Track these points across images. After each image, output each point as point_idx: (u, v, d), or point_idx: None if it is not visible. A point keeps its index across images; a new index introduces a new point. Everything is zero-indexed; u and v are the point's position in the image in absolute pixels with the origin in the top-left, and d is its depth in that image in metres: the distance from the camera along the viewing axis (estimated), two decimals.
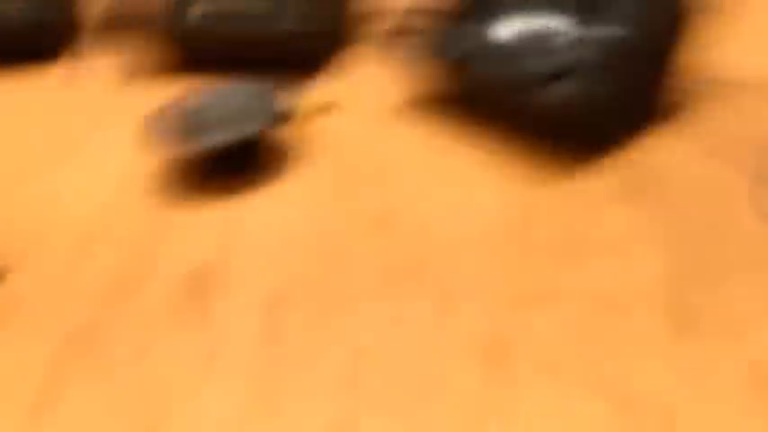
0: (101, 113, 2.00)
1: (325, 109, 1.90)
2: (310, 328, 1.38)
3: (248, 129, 1.74)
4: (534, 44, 1.64)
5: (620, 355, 1.26)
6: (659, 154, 1.62)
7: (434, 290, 1.42)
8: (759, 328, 1.26)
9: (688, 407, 1.17)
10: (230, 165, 1.76)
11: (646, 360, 1.25)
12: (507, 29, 1.68)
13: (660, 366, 1.23)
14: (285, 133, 1.85)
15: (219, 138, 1.76)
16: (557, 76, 1.58)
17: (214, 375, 1.33)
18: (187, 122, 1.77)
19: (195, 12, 1.98)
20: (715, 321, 1.28)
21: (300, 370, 1.32)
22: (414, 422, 1.22)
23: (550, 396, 1.22)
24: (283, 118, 1.85)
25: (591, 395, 1.21)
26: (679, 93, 1.76)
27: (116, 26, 2.10)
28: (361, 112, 1.88)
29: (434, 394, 1.25)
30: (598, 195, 1.54)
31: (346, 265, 1.49)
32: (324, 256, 1.52)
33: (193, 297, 1.47)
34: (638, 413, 1.18)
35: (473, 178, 1.64)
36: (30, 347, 1.40)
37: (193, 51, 2.02)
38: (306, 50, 2.00)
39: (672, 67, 1.66)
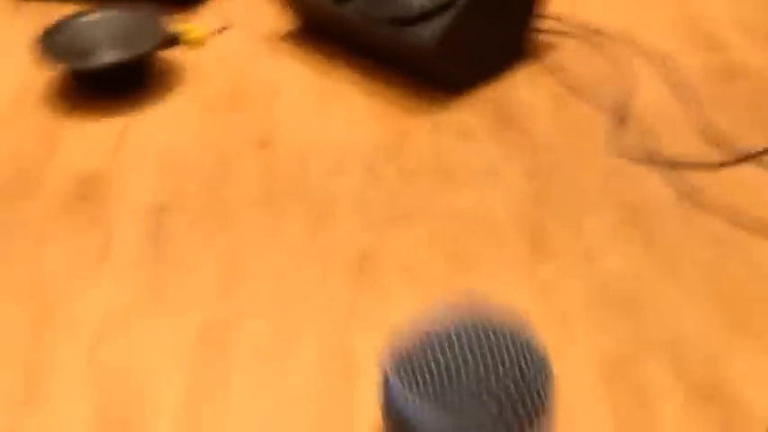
0: None
1: (213, 32, 1.94)
2: (192, 235, 1.45)
3: (137, 49, 1.78)
4: None
5: (480, 270, 1.37)
6: (527, 91, 1.73)
7: (311, 206, 1.50)
8: (606, 254, 1.38)
9: (540, 322, 1.29)
10: (120, 84, 1.80)
11: (503, 276, 1.36)
12: None
13: (516, 283, 1.35)
14: (174, 56, 1.89)
15: (109, 56, 1.80)
16: (432, 11, 1.66)
17: (102, 274, 1.39)
18: (76, 42, 1.81)
19: None
20: (569, 246, 1.40)
21: (182, 272, 1.39)
22: (286, 323, 1.31)
23: (412, 305, 1.32)
24: (172, 41, 1.89)
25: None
26: (546, 34, 1.87)
27: None
28: (247, 36, 1.93)
29: (306, 299, 1.34)
30: (470, 126, 1.65)
31: (228, 180, 1.56)
32: (207, 171, 1.58)
33: (85, 201, 1.52)
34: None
35: (353, 105, 1.72)
36: None
37: None
38: None
39: (540, 8, 1.77)
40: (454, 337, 0.69)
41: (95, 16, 1.85)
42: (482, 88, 1.74)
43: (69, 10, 2.03)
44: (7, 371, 1.26)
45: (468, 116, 1.67)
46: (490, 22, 1.71)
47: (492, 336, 0.70)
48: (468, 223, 1.45)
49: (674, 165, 1.54)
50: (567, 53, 1.82)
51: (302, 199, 1.51)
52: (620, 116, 1.65)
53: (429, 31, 1.65)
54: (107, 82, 1.79)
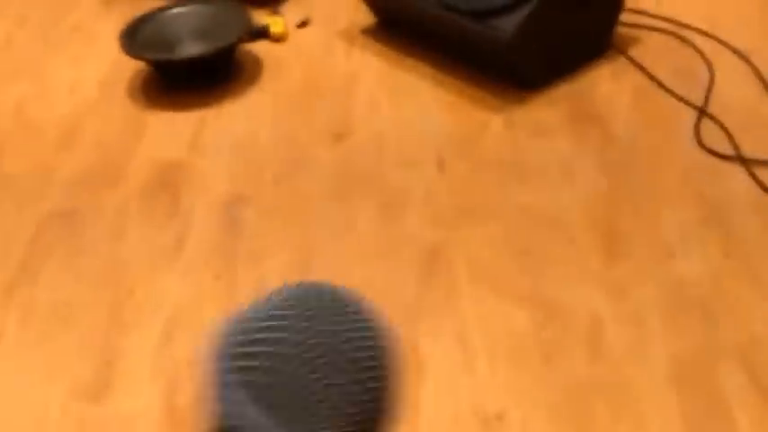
0: (86, 18, 2.06)
1: (295, 27, 1.96)
2: (266, 226, 1.47)
3: (220, 42, 1.81)
4: None
5: (552, 269, 1.35)
6: (607, 85, 1.70)
7: (383, 198, 1.50)
8: (683, 255, 1.35)
9: (612, 322, 1.27)
10: (204, 76, 1.83)
11: (575, 276, 1.34)
12: None
13: (589, 283, 1.33)
14: (256, 49, 1.91)
15: (192, 49, 1.83)
16: (514, 4, 1.64)
17: (178, 261, 1.43)
18: (161, 34, 1.84)
19: None
20: (645, 244, 1.37)
21: (255, 264, 1.41)
22: None
23: (481, 303, 1.31)
24: (256, 35, 1.91)
25: (520, 305, 1.31)
26: (629, 28, 1.83)
27: None
28: (326, 30, 1.94)
29: (375, 295, 1.34)
30: (546, 121, 1.63)
31: (302, 172, 1.57)
32: (282, 162, 1.60)
33: (164, 189, 1.56)
34: (564, 324, 1.28)
35: (428, 98, 1.71)
36: (12, 225, 1.50)
37: None
38: None
39: (624, 2, 1.73)
40: (279, 314, 0.64)
41: (181, 9, 1.88)
42: (560, 84, 1.71)
43: (159, 3, 2.08)
44: (84, 355, 1.29)
45: (545, 112, 1.65)
46: (571, 16, 1.68)
47: (324, 310, 0.64)
48: (540, 221, 1.43)
49: (757, 162, 1.49)
50: (651, 48, 1.78)
51: (374, 192, 1.52)
52: (703, 111, 1.61)
53: (508, 25, 1.63)
54: (190, 74, 1.82)
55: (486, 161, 1.55)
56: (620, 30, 1.82)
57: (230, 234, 1.46)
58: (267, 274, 1.39)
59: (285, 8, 2.02)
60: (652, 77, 1.70)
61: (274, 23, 1.92)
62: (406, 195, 1.50)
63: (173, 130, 1.71)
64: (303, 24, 1.95)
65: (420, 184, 1.52)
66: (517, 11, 1.64)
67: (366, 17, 1.95)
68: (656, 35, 1.82)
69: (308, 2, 2.04)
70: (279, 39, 1.91)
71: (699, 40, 1.79)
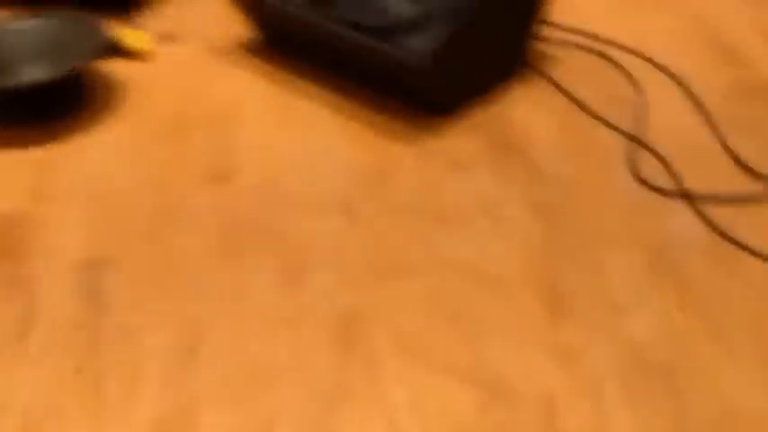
0: None
1: (155, 42, 1.68)
2: (137, 293, 1.19)
3: (67, 63, 1.52)
4: None
5: (490, 336, 1.13)
6: (528, 110, 1.50)
7: (282, 255, 1.25)
8: (637, 310, 1.16)
9: (567, 395, 1.06)
10: (45, 106, 1.53)
11: (518, 342, 1.13)
12: None
13: (534, 350, 1.12)
14: (112, 70, 1.62)
15: (32, 73, 1.53)
16: (424, 21, 1.42)
17: (24, 349, 1.12)
18: None
19: None
20: (591, 299, 1.17)
21: (127, 345, 1.13)
22: (256, 412, 1.05)
23: (412, 381, 1.08)
24: (106, 52, 1.63)
25: (459, 381, 1.08)
26: (548, 44, 1.64)
27: None
28: (199, 47, 1.68)
29: (282, 378, 1.09)
30: (464, 152, 1.41)
31: (180, 222, 1.30)
32: (153, 211, 1.32)
33: (3, 251, 1.25)
34: (512, 403, 1.06)
35: (327, 129, 1.47)
36: None
37: None
38: None
39: (543, 16, 1.54)
40: None
41: (18, 24, 1.58)
42: (475, 108, 1.50)
43: None
44: None
45: (462, 142, 1.43)
46: (490, 34, 1.47)
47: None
48: (468, 275, 1.21)
49: (702, 198, 1.32)
50: (572, 66, 1.59)
51: (270, 247, 1.26)
52: (637, 139, 1.43)
53: (421, 46, 1.40)
54: (31, 104, 1.52)
55: (401, 205, 1.32)
56: (539, 46, 1.62)
57: (92, 308, 1.18)
58: (144, 358, 1.11)
59: (146, 19, 1.74)
60: (576, 101, 1.51)
61: (134, 38, 1.63)
62: (311, 250, 1.26)
63: (10, 174, 1.41)
64: (168, 38, 1.67)
65: (326, 235, 1.28)
66: (427, 29, 1.42)
67: (245, 32, 1.69)
68: (576, 52, 1.63)
69: (175, 11, 1.76)
70: (140, 57, 1.63)
71: (624, 59, 1.61)
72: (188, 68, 1.61)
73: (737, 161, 1.38)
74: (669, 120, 1.47)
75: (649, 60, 1.60)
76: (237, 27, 1.70)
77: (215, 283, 1.21)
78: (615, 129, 1.45)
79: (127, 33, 1.64)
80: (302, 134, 1.46)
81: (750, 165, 1.37)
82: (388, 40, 1.43)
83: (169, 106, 1.52)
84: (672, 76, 1.56)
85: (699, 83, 1.55)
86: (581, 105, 1.50)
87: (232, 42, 1.68)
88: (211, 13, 1.76)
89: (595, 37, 1.66)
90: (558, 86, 1.54)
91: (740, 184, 1.34)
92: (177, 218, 1.31)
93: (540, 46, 1.62)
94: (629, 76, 1.57)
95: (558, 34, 1.66)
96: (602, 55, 1.62)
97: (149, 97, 1.55)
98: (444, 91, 1.47)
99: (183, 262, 1.24)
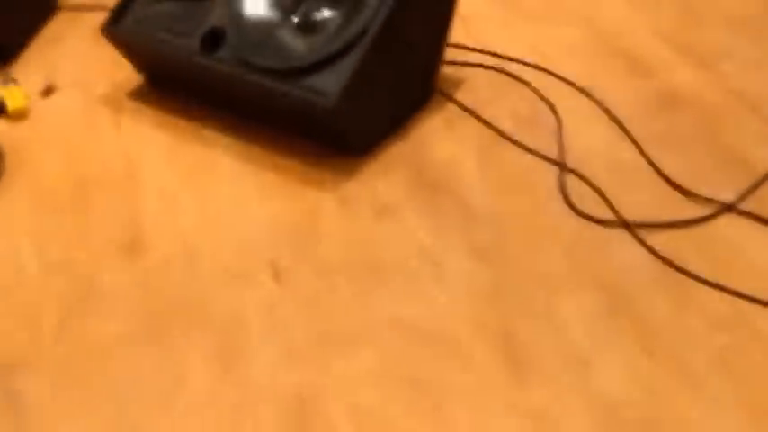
0: None
1: (35, 97, 1.53)
2: (55, 396, 1.06)
3: None
4: (289, 21, 1.39)
5: (454, 403, 1.06)
6: (446, 141, 1.43)
7: (215, 331, 1.14)
8: (600, 359, 1.10)
9: None
10: None
11: (485, 408, 1.06)
12: (259, 6, 1.41)
13: (503, 415, 1.05)
14: None
15: None
16: (327, 58, 1.33)
17: None
18: None
19: None
20: (552, 351, 1.11)
21: None
22: None
23: None
24: None
25: None
26: (453, 67, 1.58)
27: None
28: (83, 97, 1.54)
29: None
30: (388, 197, 1.33)
31: (95, 307, 1.17)
32: (64, 299, 1.19)
33: None
34: None
35: (234, 179, 1.37)
36: None
37: None
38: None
39: (442, 37, 1.47)
40: None
41: None
42: (391, 145, 1.42)
43: None
44: None
45: (384, 185, 1.35)
46: (396, 63, 1.39)
47: None
48: (418, 337, 1.13)
49: (642, 225, 1.28)
50: (479, 88, 1.53)
51: (198, 324, 1.15)
52: (562, 165, 1.38)
53: (328, 85, 1.31)
54: None
55: (332, 262, 1.23)
56: (442, 70, 1.55)
57: (11, 420, 1.05)
58: None
59: (18, 71, 1.59)
60: (493, 128, 1.45)
61: (10, 96, 1.48)
62: (244, 323, 1.15)
63: None
64: (48, 92, 1.53)
65: (258, 304, 1.18)
66: (332, 66, 1.33)
67: (132, 75, 1.56)
68: (480, 72, 1.57)
69: (49, 60, 1.62)
70: (19, 115, 1.48)
71: (530, 75, 1.56)
72: (76, 123, 1.47)
73: (668, 181, 1.35)
74: (590, 140, 1.43)
75: (557, 76, 1.56)
76: (121, 71, 1.57)
77: (144, 374, 1.09)
78: (539, 155, 1.40)
79: (1, 91, 1.49)
80: (212, 189, 1.35)
81: (681, 183, 1.34)
82: (288, 80, 1.34)
83: (62, 170, 1.39)
84: (582, 91, 1.52)
85: (610, 97, 1.51)
86: (499, 132, 1.44)
87: (118, 89, 1.54)
88: (91, 57, 1.62)
89: (499, 56, 1.60)
90: (471, 113, 1.48)
91: (676, 205, 1.31)
92: (91, 303, 1.18)
93: (446, 70, 1.56)
94: (539, 94, 1.52)
95: (455, 53, 1.60)
96: (509, 74, 1.56)
97: (39, 162, 1.40)
98: (357, 129, 1.39)
99: (104, 353, 1.12)
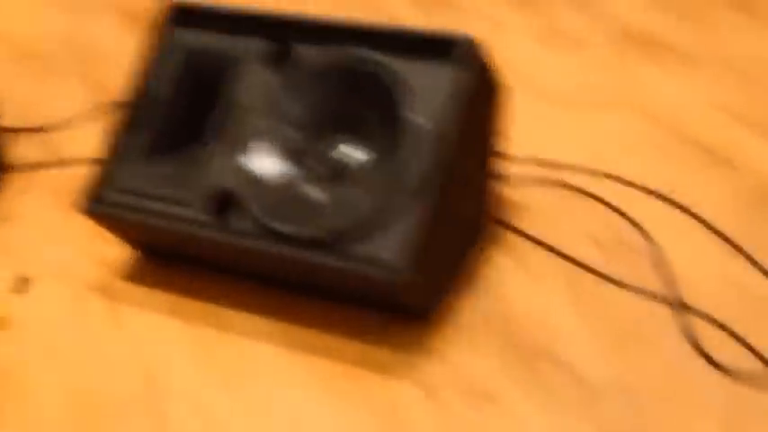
0: None
1: (8, 292, 1.24)
2: None
3: None
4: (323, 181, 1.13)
5: None
6: (522, 284, 1.18)
7: None
8: None
9: None
10: None
11: None
12: (268, 158, 1.16)
13: None
14: None
15: None
16: (379, 219, 1.07)
17: None
18: None
19: None
20: None
21: None
22: None
23: None
24: None
25: None
26: (510, 187, 1.33)
27: None
28: (68, 288, 1.25)
29: None
30: (482, 379, 1.07)
31: None
32: None
33: None
34: None
35: (287, 378, 1.09)
36: None
37: None
38: None
39: (493, 158, 1.22)
40: None
41: None
42: (462, 300, 1.16)
43: None
44: None
45: (470, 360, 1.09)
46: (455, 206, 1.13)
47: None
48: None
49: None
50: (545, 209, 1.28)
51: None
52: (677, 302, 1.13)
53: (383, 250, 1.04)
54: None
55: None
56: (501, 191, 1.30)
57: None
58: None
59: None
60: (576, 262, 1.20)
61: None
62: None
63: None
64: (22, 286, 1.23)
65: None
66: (385, 226, 1.06)
67: (120, 248, 1.28)
68: (535, 187, 1.32)
69: (10, 243, 1.32)
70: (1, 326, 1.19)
71: (595, 184, 1.31)
72: (65, 325, 1.18)
73: None
74: (694, 262, 1.18)
75: (629, 183, 1.32)
76: (105, 245, 1.28)
77: None
78: (646, 294, 1.15)
79: None
80: (256, 392, 1.07)
81: None
82: (329, 249, 1.07)
83: (60, 392, 1.09)
84: (665, 198, 1.29)
85: (696, 199, 1.28)
86: (587, 268, 1.19)
87: (107, 269, 1.26)
88: (63, 231, 1.32)
89: (553, 164, 1.36)
90: (543, 244, 1.23)
91: None
92: None
93: (500, 190, 1.30)
94: (615, 209, 1.27)
95: (513, 169, 1.35)
96: (573, 188, 1.32)
97: (31, 384, 1.11)
98: (423, 293, 1.12)
99: None
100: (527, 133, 1.40)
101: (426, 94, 1.08)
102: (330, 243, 1.07)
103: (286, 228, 1.09)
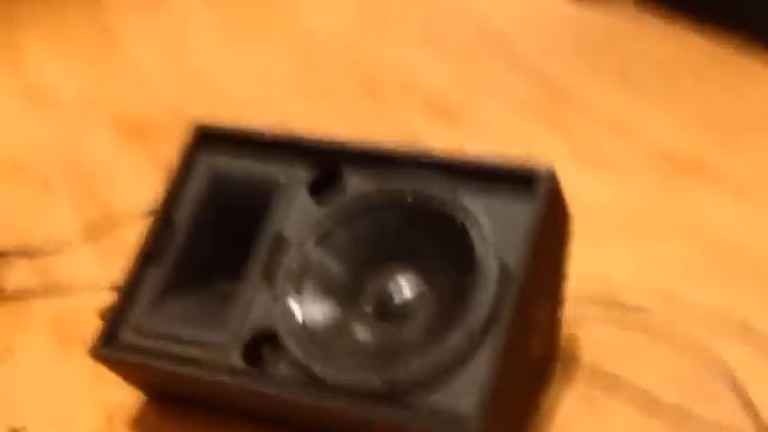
0: None
1: None
2: None
3: None
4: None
5: None
6: (583, 420, 1.03)
7: None
8: None
9: None
10: None
11: None
12: (313, 296, 1.01)
13: None
14: None
15: None
16: (431, 371, 0.92)
17: None
18: None
19: None
20: None
21: None
22: None
23: None
24: None
25: None
26: (575, 327, 1.19)
27: None
28: None
29: None
30: None
31: None
32: None
33: None
34: None
35: None
36: None
37: None
38: None
39: (562, 293, 1.09)
40: None
41: None
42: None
43: None
44: None
45: None
46: (526, 347, 0.99)
47: None
48: None
49: None
50: (608, 341, 1.14)
51: None
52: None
53: (453, 400, 0.90)
54: None
55: None
56: (565, 329, 1.16)
57: None
58: None
59: None
60: (650, 401, 1.06)
61: None
62: None
63: None
64: None
65: None
66: (451, 373, 0.91)
67: (121, 391, 1.11)
68: (595, 315, 1.18)
69: (8, 394, 1.14)
70: None
71: (661, 312, 1.18)
72: None
73: None
74: None
75: (706, 316, 1.18)
76: (106, 387, 1.11)
77: None
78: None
79: None
80: None
81: None
82: (388, 400, 0.92)
83: None
84: (742, 327, 1.15)
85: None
86: (656, 405, 1.05)
87: (108, 415, 1.09)
88: (54, 374, 1.15)
89: (621, 297, 1.22)
90: (614, 385, 1.08)
91: None
92: None
93: (569, 325, 1.16)
94: (690, 342, 1.14)
95: (579, 302, 1.21)
96: (642, 321, 1.18)
97: None
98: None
99: None
100: (589, 263, 1.26)
101: (498, 229, 0.95)
102: (388, 393, 0.92)
103: (336, 375, 0.93)
